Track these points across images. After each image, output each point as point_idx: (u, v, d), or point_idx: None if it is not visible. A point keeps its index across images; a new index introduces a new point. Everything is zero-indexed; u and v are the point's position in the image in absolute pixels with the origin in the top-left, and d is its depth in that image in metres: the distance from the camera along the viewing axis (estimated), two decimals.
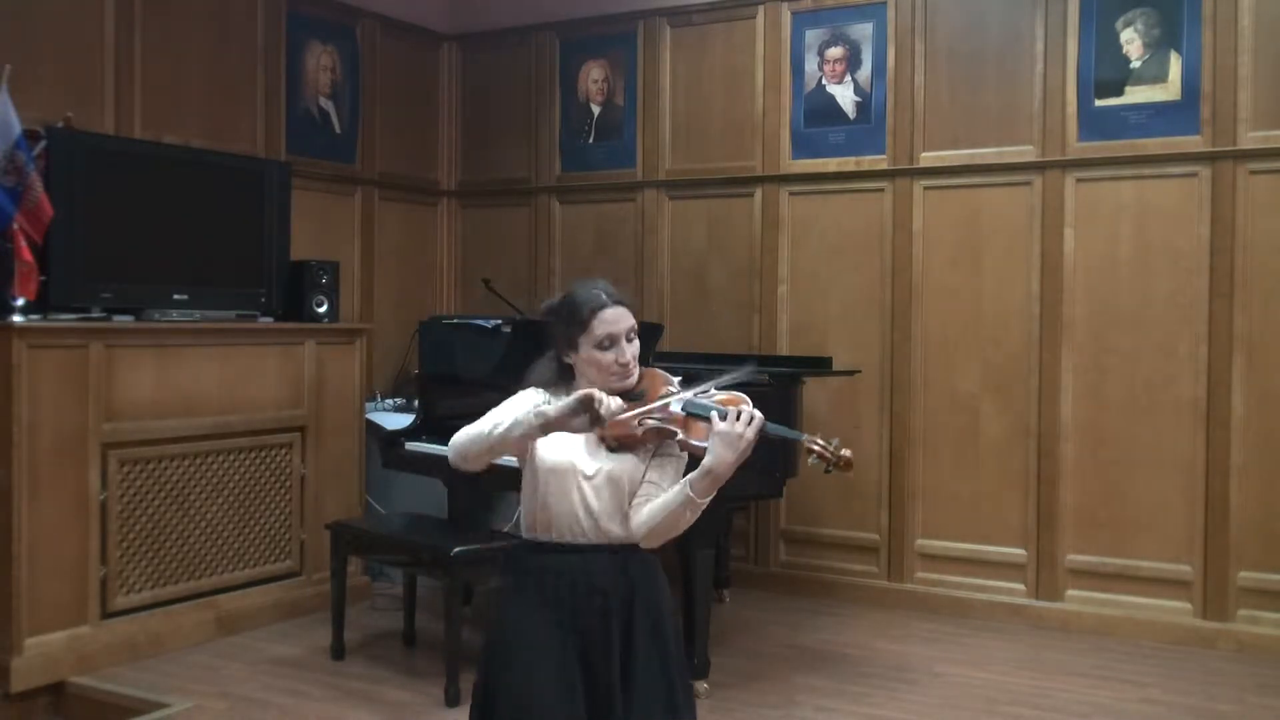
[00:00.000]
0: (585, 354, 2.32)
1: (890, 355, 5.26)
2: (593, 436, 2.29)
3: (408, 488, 5.42)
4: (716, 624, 4.37)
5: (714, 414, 2.20)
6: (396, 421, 5.24)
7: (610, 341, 2.30)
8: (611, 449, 2.30)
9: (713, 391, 2.34)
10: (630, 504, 2.29)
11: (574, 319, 2.32)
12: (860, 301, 5.34)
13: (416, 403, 5.15)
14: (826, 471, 2.25)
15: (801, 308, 5.48)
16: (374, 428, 5.30)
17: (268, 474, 4.86)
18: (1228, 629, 4.61)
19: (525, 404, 2.28)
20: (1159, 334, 4.75)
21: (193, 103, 5.04)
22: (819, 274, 5.44)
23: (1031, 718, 3.87)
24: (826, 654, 4.55)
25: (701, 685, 4.00)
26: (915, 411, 5.21)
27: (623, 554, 2.30)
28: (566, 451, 2.30)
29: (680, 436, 2.27)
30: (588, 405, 2.14)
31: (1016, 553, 5.02)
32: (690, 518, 2.24)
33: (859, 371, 5.14)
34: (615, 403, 2.17)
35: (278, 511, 4.91)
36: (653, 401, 2.31)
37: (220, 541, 4.67)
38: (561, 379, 2.38)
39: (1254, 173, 4.58)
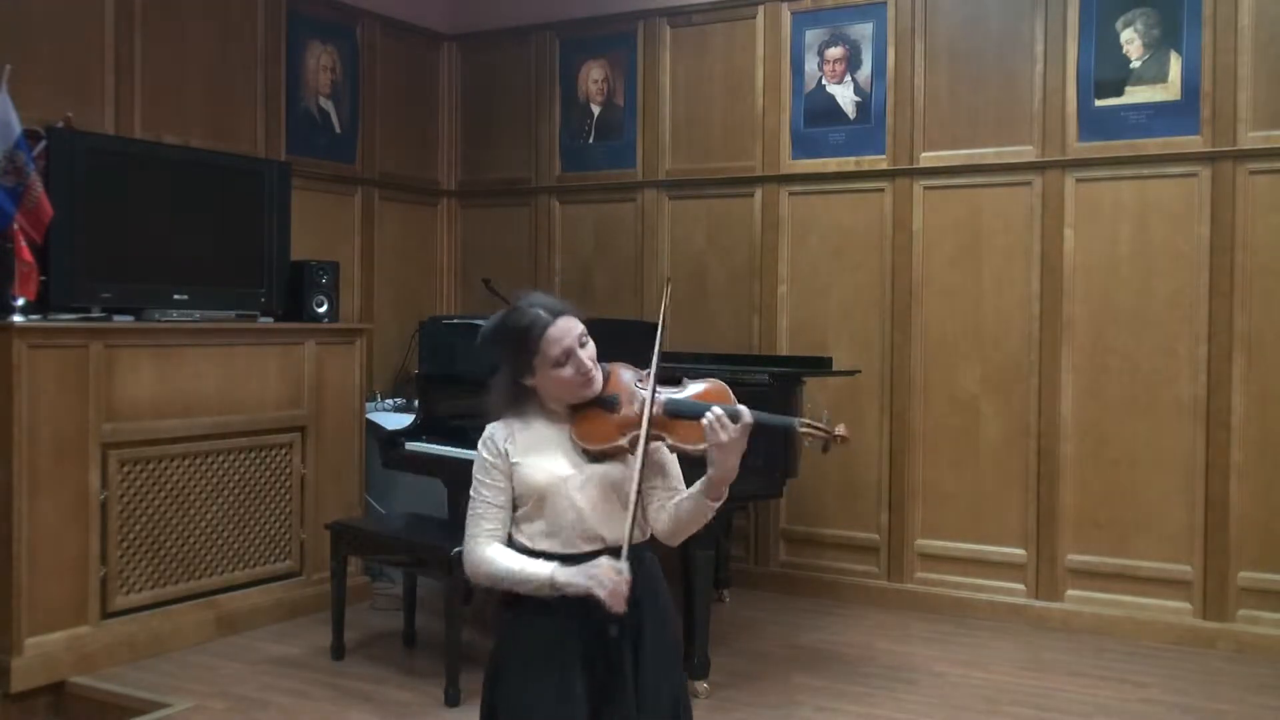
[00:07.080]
0: (543, 375, 2.25)
1: (890, 355, 5.26)
2: (572, 448, 2.26)
3: (408, 488, 5.42)
4: (716, 624, 4.36)
5: (704, 426, 2.14)
6: (396, 421, 5.24)
7: (566, 356, 2.22)
8: (594, 460, 2.25)
9: (687, 384, 2.30)
10: (626, 505, 2.22)
11: (522, 346, 2.23)
12: (860, 301, 5.34)
13: (416, 403, 5.14)
14: (825, 450, 2.23)
15: (801, 308, 5.48)
16: (374, 428, 5.30)
17: (268, 474, 4.86)
18: (1228, 629, 4.61)
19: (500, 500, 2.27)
20: (1159, 334, 4.75)
21: (193, 103, 5.04)
22: (819, 274, 5.43)
23: (1031, 718, 3.87)
24: (826, 654, 4.55)
25: (701, 685, 4.00)
26: (915, 411, 5.21)
27: (627, 557, 2.23)
28: (549, 469, 2.25)
29: (669, 441, 2.24)
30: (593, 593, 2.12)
31: (1016, 553, 5.02)
32: (711, 514, 2.24)
33: (859, 371, 5.14)
34: (619, 586, 2.11)
35: (278, 511, 4.91)
36: (626, 404, 2.26)
37: (220, 541, 4.67)
38: (520, 399, 2.31)
39: (1254, 173, 4.58)
